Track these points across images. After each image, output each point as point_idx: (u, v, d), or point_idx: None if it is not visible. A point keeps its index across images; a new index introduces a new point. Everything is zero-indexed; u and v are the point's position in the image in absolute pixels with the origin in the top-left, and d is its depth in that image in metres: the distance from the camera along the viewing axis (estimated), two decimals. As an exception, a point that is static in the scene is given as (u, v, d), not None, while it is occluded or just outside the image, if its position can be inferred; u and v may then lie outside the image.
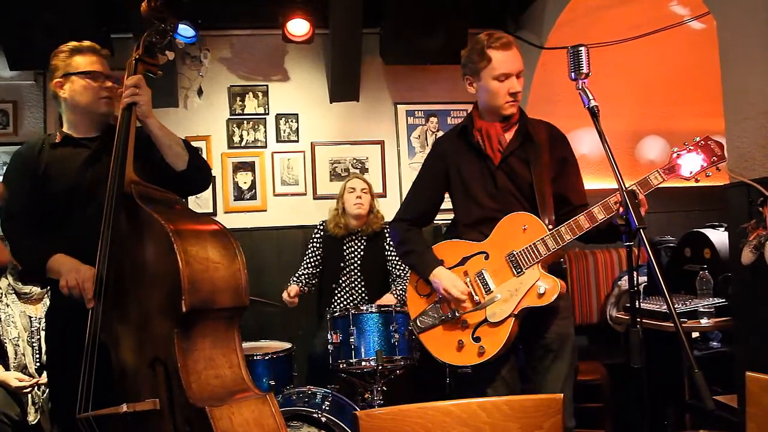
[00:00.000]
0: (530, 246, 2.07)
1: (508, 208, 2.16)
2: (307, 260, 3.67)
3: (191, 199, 4.22)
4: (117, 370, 1.85)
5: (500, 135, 2.19)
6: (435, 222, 4.24)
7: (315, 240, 3.69)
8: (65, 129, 2.18)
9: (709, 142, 1.96)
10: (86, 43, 2.18)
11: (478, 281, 2.16)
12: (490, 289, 2.14)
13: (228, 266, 1.87)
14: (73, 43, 2.16)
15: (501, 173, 2.19)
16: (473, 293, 2.16)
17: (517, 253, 2.10)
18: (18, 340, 3.04)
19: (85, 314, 1.87)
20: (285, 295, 3.39)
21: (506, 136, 2.21)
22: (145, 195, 1.89)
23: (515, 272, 2.10)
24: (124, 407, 1.73)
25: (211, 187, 4.21)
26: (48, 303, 3.11)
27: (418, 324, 2.26)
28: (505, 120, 2.20)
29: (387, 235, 3.63)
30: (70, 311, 1.92)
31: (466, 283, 2.16)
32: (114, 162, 1.93)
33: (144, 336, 1.83)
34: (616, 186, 1.78)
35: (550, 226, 2.09)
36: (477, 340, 2.12)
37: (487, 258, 2.17)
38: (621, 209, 1.78)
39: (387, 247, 3.62)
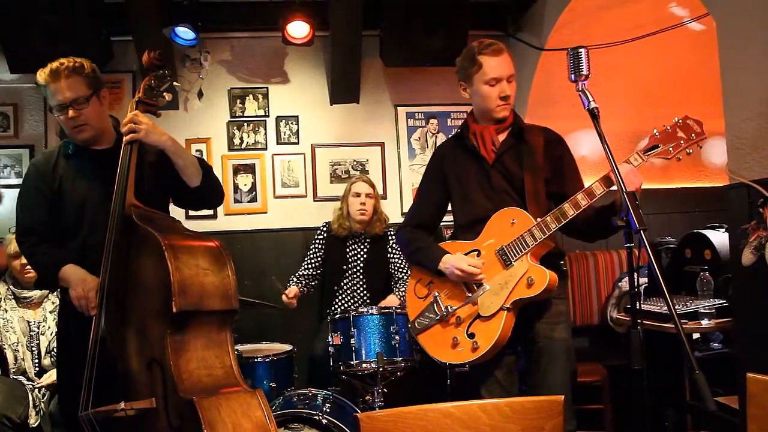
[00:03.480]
0: (518, 238, 2.09)
1: (502, 206, 2.18)
2: (308, 261, 3.67)
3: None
4: (121, 373, 1.96)
5: (493, 136, 2.24)
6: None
7: (317, 241, 3.69)
8: None
9: (687, 121, 1.95)
10: (52, 65, 2.09)
11: None
12: (481, 283, 2.15)
13: (217, 273, 2.00)
14: (46, 71, 2.08)
15: (495, 172, 2.24)
16: (465, 289, 2.18)
17: (506, 247, 2.12)
18: (17, 345, 3.04)
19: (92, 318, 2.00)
20: (284, 296, 3.39)
21: (500, 138, 2.26)
22: (143, 216, 2.04)
23: (505, 265, 2.12)
24: (122, 404, 1.83)
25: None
26: (47, 307, 3.15)
27: (416, 326, 2.30)
28: (498, 122, 2.25)
29: (390, 237, 3.63)
30: (80, 313, 2.04)
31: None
32: (117, 189, 2.06)
33: (143, 339, 1.95)
34: (615, 188, 1.78)
35: (539, 220, 2.09)
36: (471, 336, 2.14)
37: (479, 255, 2.19)
38: (618, 202, 1.79)
39: (390, 249, 3.62)
